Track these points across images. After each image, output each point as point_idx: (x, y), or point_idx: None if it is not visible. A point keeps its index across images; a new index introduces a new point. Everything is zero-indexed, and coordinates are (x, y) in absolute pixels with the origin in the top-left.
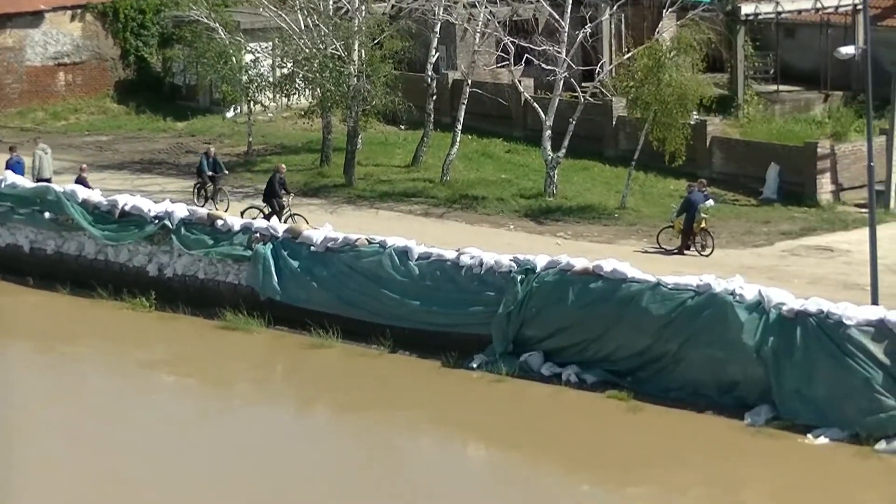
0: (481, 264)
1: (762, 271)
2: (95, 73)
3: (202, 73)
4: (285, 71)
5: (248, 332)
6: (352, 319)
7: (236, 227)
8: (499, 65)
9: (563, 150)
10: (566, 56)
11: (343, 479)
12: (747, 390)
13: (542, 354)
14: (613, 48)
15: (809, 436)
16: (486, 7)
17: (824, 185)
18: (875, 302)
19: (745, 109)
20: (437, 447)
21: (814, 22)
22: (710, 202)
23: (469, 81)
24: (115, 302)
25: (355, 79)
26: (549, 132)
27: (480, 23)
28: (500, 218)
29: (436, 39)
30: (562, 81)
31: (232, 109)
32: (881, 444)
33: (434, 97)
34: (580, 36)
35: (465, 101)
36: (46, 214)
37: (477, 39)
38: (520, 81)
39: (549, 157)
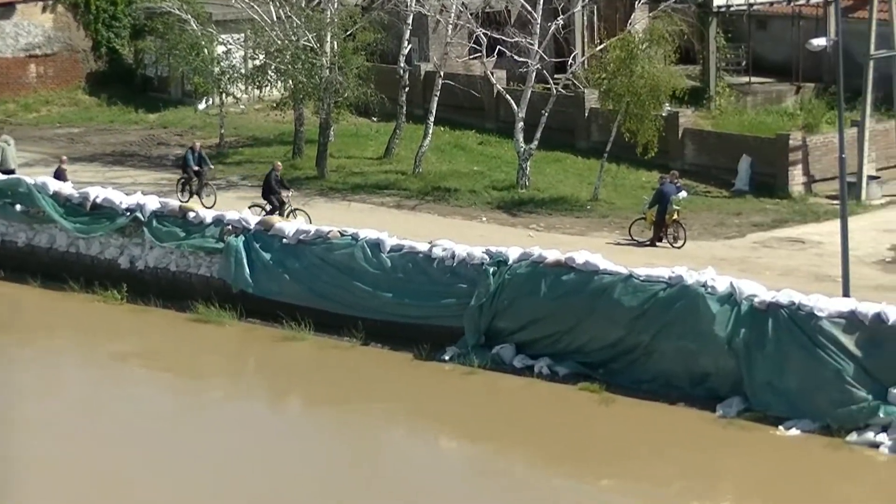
0: (453, 256)
1: (734, 263)
2: (67, 64)
3: (174, 65)
4: (257, 63)
5: (220, 324)
6: (324, 312)
7: (208, 220)
8: (471, 56)
9: (536, 142)
10: (539, 48)
11: (317, 472)
12: (719, 382)
13: (514, 346)
14: (586, 40)
15: (781, 427)
16: None
17: (796, 177)
18: (846, 294)
19: (718, 101)
20: (410, 439)
21: (785, 14)
22: (683, 194)
23: (441, 73)
24: (86, 294)
25: (327, 70)
26: (521, 124)
27: (453, 14)
28: (472, 210)
29: (408, 31)
30: (534, 73)
31: (204, 101)
32: (852, 436)
33: (406, 89)
34: (553, 27)
35: (438, 93)
36: (17, 207)
37: (449, 31)
38: (492, 73)
39: (522, 149)
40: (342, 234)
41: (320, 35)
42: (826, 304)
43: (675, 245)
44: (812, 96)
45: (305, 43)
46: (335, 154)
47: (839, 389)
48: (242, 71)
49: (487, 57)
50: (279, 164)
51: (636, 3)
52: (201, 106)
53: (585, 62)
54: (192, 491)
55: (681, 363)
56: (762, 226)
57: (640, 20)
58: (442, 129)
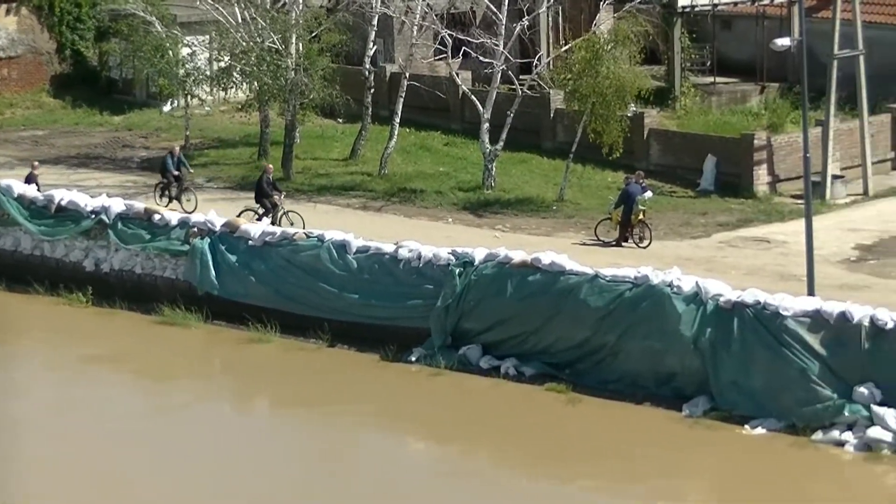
0: (420, 257)
1: (699, 263)
2: (31, 67)
3: (139, 67)
4: (222, 64)
5: (185, 327)
6: (290, 313)
7: (173, 222)
8: (436, 57)
9: (501, 143)
10: (504, 48)
11: (285, 474)
12: (685, 381)
13: (480, 347)
14: (551, 41)
15: (747, 426)
16: (423, 0)
17: (761, 177)
18: (811, 293)
19: (682, 101)
20: (378, 441)
21: (750, 14)
22: (648, 194)
23: (407, 74)
24: (51, 297)
25: (293, 72)
26: (487, 125)
27: (418, 15)
28: (438, 211)
29: (373, 32)
30: (499, 74)
31: (169, 103)
32: (818, 435)
33: (372, 90)
34: (518, 28)
35: (403, 94)
36: None
37: (414, 32)
38: (457, 74)
39: (488, 150)
40: (308, 236)
41: (285, 37)
42: (791, 303)
43: (640, 245)
44: (776, 96)
45: (270, 45)
46: (301, 155)
47: (804, 388)
48: (207, 73)
49: (453, 58)
50: (270, 167)
51: (601, 3)
52: (166, 108)
53: (551, 63)
54: (161, 491)
55: (647, 363)
56: (727, 225)
57: (604, 21)
58: (407, 130)
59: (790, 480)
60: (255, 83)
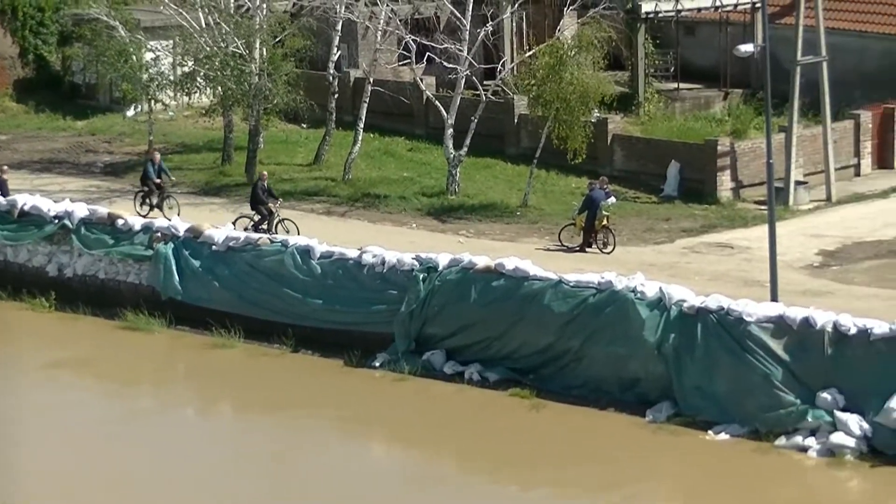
0: (383, 263)
1: (663, 268)
2: None
3: (102, 72)
4: (186, 69)
5: (149, 332)
6: (254, 319)
7: (137, 227)
8: (400, 63)
9: (465, 149)
10: (468, 54)
11: (248, 480)
12: (649, 387)
13: (444, 353)
14: (515, 46)
15: (710, 432)
16: (387, 5)
17: (724, 183)
18: (774, 298)
19: (646, 107)
20: (342, 447)
21: (713, 20)
22: (612, 200)
23: (371, 79)
24: (14, 302)
25: (256, 77)
26: (451, 130)
27: (382, 21)
28: (402, 216)
29: (337, 37)
30: (463, 79)
31: (132, 108)
32: (781, 440)
33: (336, 95)
34: (482, 34)
35: (367, 100)
36: None
37: (378, 37)
38: (421, 79)
39: (451, 156)
40: (272, 241)
41: (249, 42)
42: (754, 308)
43: (604, 251)
44: (740, 102)
45: (234, 49)
46: (264, 160)
47: (767, 394)
48: (171, 77)
49: (417, 63)
50: (265, 173)
51: (565, 9)
52: (130, 113)
53: (514, 69)
54: (124, 496)
55: (610, 368)
56: (691, 231)
57: (568, 27)
58: (371, 135)
59: (753, 486)
60: (219, 88)
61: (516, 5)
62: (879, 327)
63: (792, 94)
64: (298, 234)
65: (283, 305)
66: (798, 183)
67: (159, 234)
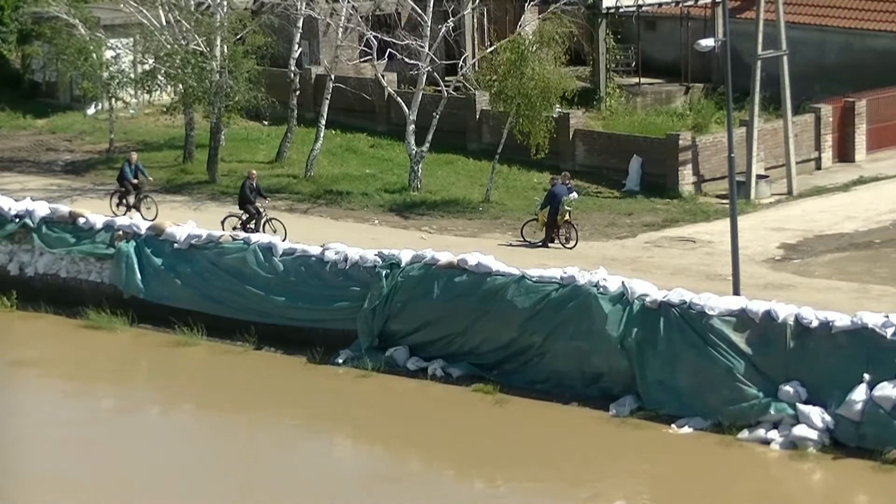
0: (346, 259)
1: (626, 263)
2: None
3: (62, 70)
4: (147, 67)
5: (111, 330)
6: (216, 316)
7: (98, 225)
8: (362, 59)
9: (427, 145)
10: (429, 50)
11: (211, 478)
12: (612, 381)
13: (407, 349)
14: (476, 42)
15: (673, 426)
16: (348, 2)
17: (686, 177)
18: (737, 292)
19: (608, 102)
20: (305, 444)
21: (674, 15)
22: (574, 195)
23: (332, 76)
24: None
25: (217, 74)
26: (412, 126)
27: (343, 17)
28: (364, 213)
29: (298, 34)
30: (425, 76)
31: (93, 106)
32: (744, 433)
33: (297, 92)
34: (443, 30)
35: (329, 96)
36: None
37: (340, 34)
38: (383, 76)
39: (413, 152)
40: (234, 239)
41: (210, 39)
42: (717, 302)
43: (566, 246)
44: (701, 96)
45: (195, 47)
46: (226, 158)
47: (730, 387)
48: (132, 75)
49: (378, 60)
50: (254, 172)
51: (526, 4)
52: (90, 111)
53: (476, 64)
54: (87, 498)
55: (574, 363)
56: (653, 226)
57: (529, 22)
58: (333, 132)
59: (717, 479)
60: (180, 86)
61: (477, 1)
62: (841, 320)
63: (753, 89)
64: (286, 233)
65: (246, 303)
66: (759, 177)
67: (121, 233)
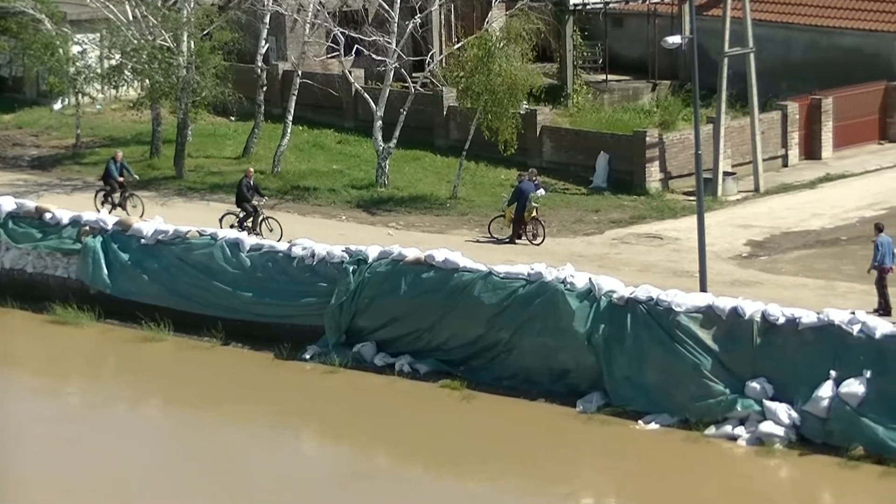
0: (313, 255)
1: (593, 259)
2: None
3: (28, 65)
4: (113, 62)
5: (78, 325)
6: (183, 312)
7: (65, 220)
8: (329, 55)
9: (394, 141)
10: (396, 46)
11: (178, 475)
12: (579, 377)
13: (374, 345)
14: (443, 38)
15: (640, 422)
16: None
17: (653, 174)
18: (703, 289)
19: (575, 99)
20: (272, 440)
21: (641, 12)
22: (541, 191)
23: (299, 72)
24: None
25: (184, 70)
26: (379, 122)
27: (310, 13)
28: (331, 209)
29: (265, 30)
30: (392, 72)
31: (59, 101)
32: (710, 429)
33: (264, 88)
34: (410, 26)
35: (296, 92)
36: None
37: (307, 30)
38: (350, 72)
39: (381, 148)
40: (201, 234)
41: (177, 34)
42: (683, 299)
43: (534, 242)
44: (668, 93)
45: (162, 42)
46: (193, 154)
47: (697, 383)
48: (98, 71)
49: (345, 56)
50: (251, 170)
51: (493, 1)
52: (57, 106)
53: (443, 61)
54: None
55: (541, 359)
56: (620, 222)
57: (497, 18)
58: (300, 128)
59: (684, 475)
60: (147, 81)
61: None
62: (807, 317)
63: (720, 86)
64: (282, 232)
65: (213, 298)
66: (726, 174)
67: (87, 228)
